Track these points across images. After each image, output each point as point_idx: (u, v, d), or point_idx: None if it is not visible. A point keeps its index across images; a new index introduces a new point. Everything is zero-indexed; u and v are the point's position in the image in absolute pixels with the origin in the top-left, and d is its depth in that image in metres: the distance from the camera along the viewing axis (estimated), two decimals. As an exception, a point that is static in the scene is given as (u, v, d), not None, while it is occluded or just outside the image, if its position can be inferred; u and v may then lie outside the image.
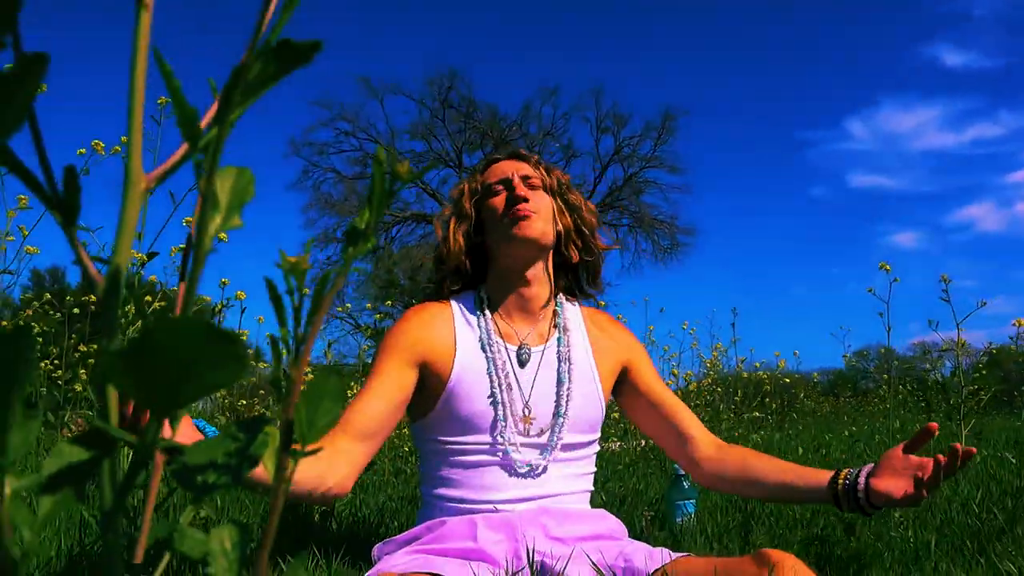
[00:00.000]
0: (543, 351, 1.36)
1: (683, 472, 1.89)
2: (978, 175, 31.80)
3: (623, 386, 1.44)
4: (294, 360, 0.31)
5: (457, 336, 1.32)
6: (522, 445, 1.28)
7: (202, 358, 0.25)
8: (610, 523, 1.30)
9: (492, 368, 1.30)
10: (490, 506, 1.25)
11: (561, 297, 1.43)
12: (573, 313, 1.43)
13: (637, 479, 2.74)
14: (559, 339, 1.37)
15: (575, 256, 1.40)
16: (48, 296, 3.63)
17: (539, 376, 1.33)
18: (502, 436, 1.27)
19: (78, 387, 3.53)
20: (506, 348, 1.33)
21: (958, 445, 1.11)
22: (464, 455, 1.28)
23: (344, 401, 0.33)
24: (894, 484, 1.15)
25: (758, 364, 6.86)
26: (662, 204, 20.77)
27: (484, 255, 1.40)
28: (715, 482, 1.37)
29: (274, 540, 0.30)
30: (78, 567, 1.39)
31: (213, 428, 1.08)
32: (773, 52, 30.84)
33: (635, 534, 1.62)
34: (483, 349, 1.32)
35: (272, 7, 0.30)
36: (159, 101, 2.11)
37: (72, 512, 1.62)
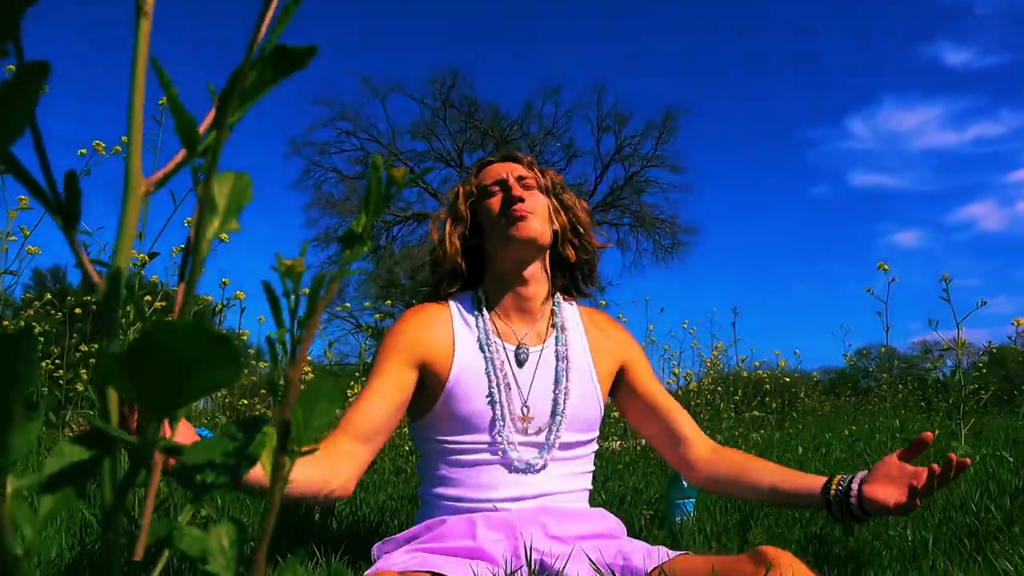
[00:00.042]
0: (541, 350, 1.36)
1: (682, 471, 1.89)
2: (979, 174, 31.73)
3: (620, 386, 1.45)
4: (291, 361, 0.31)
5: (455, 336, 1.32)
6: (520, 444, 1.29)
7: (201, 359, 0.25)
8: (609, 522, 1.31)
9: (490, 368, 1.30)
10: (489, 505, 1.25)
11: (558, 296, 1.43)
12: (571, 313, 1.44)
13: (637, 478, 2.74)
14: (557, 338, 1.38)
15: (572, 255, 1.41)
16: (49, 296, 3.64)
17: (537, 375, 1.34)
18: (500, 435, 1.27)
19: (79, 387, 3.54)
20: (504, 348, 1.34)
21: (953, 456, 1.11)
22: (463, 454, 1.28)
23: (341, 402, 0.33)
24: (887, 492, 1.15)
25: (758, 363, 6.84)
26: (663, 203, 20.76)
27: (480, 257, 1.41)
28: (708, 485, 1.37)
29: (274, 539, 0.31)
30: (79, 566, 1.39)
31: (213, 435, 1.08)
32: (774, 51, 30.81)
33: (634, 533, 1.63)
34: (481, 349, 1.32)
35: (270, 12, 0.31)
36: (160, 102, 2.12)
37: (73, 511, 1.62)
